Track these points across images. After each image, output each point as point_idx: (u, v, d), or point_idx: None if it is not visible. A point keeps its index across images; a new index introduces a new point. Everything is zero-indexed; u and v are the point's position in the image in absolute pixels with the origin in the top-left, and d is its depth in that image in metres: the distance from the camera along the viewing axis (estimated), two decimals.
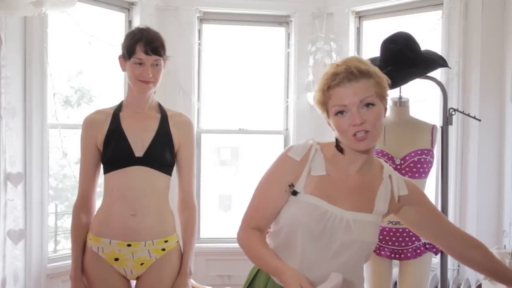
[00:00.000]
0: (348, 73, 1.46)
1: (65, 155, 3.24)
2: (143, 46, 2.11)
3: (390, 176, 1.62)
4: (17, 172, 2.91)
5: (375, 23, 3.83)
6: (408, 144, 2.65)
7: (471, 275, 3.16)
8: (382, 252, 2.61)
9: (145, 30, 2.18)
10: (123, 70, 2.22)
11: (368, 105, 1.46)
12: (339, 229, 1.50)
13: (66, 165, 3.43)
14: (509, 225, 2.99)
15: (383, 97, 1.51)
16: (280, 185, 1.55)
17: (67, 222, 4.05)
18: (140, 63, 2.13)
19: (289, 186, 1.54)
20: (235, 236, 1.63)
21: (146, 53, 2.11)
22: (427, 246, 2.60)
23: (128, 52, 2.13)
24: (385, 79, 1.52)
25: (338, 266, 1.51)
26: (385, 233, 2.61)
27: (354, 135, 1.46)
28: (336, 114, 1.48)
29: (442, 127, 2.70)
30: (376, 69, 1.52)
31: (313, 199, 1.51)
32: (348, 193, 1.54)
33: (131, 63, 2.14)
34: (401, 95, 2.71)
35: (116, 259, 2.16)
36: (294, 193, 1.53)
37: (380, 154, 2.63)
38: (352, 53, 3.80)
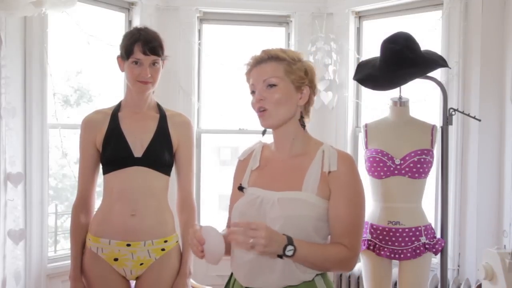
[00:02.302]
0: (260, 57, 1.64)
1: (65, 155, 3.23)
2: (141, 46, 2.11)
3: (323, 153, 1.63)
4: (17, 172, 2.90)
5: (375, 23, 3.82)
6: (408, 144, 2.65)
7: (471, 275, 3.15)
8: (382, 252, 2.61)
9: (143, 30, 2.18)
10: (122, 70, 2.21)
11: (271, 85, 1.60)
12: (267, 209, 1.60)
13: (66, 165, 3.43)
14: (509, 225, 2.98)
15: (297, 81, 1.62)
16: (235, 185, 1.75)
17: (67, 222, 4.05)
18: (138, 63, 2.12)
19: (240, 184, 1.72)
20: None
21: (144, 53, 2.11)
22: (427, 246, 2.60)
23: (126, 52, 2.13)
24: (304, 66, 1.63)
25: None
26: (384, 233, 2.61)
27: (258, 111, 1.62)
28: (251, 93, 1.67)
29: (442, 127, 2.70)
30: (295, 56, 1.63)
31: (251, 189, 1.67)
32: (280, 176, 1.64)
33: (129, 63, 2.14)
34: (401, 95, 2.71)
35: (116, 259, 2.16)
36: (241, 188, 1.70)
37: (380, 154, 2.63)
38: (352, 53, 3.79)
